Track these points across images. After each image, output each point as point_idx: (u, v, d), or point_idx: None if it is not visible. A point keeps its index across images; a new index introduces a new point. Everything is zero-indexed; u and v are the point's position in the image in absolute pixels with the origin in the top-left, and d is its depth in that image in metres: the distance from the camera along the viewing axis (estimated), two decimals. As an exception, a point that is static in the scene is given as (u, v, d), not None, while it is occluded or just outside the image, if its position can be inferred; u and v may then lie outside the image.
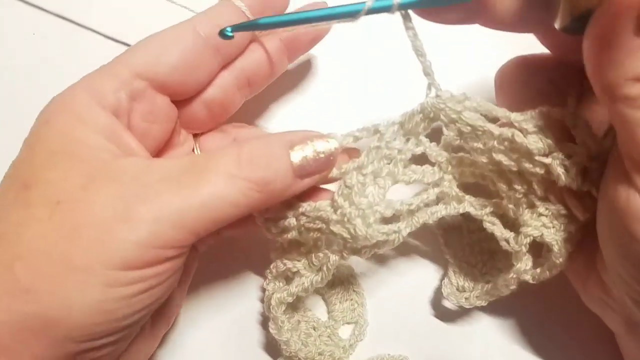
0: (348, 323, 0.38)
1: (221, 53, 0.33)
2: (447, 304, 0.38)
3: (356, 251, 0.31)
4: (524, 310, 0.37)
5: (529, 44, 0.31)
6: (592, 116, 0.30)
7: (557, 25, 0.26)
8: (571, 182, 0.29)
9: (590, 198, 0.29)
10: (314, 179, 0.30)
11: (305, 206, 0.31)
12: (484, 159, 0.30)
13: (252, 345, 0.38)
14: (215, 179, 0.27)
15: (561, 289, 0.34)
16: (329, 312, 0.38)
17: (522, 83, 0.31)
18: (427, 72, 0.29)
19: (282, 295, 0.33)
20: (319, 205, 0.31)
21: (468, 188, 0.33)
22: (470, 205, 0.32)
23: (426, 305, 0.38)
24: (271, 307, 0.33)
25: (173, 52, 0.31)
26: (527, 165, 0.29)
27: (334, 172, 0.31)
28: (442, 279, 0.37)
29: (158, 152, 0.34)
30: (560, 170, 0.28)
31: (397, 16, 0.29)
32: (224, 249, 0.39)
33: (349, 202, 0.30)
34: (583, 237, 0.31)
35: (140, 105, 0.31)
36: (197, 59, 0.32)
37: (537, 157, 0.29)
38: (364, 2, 0.27)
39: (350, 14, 0.28)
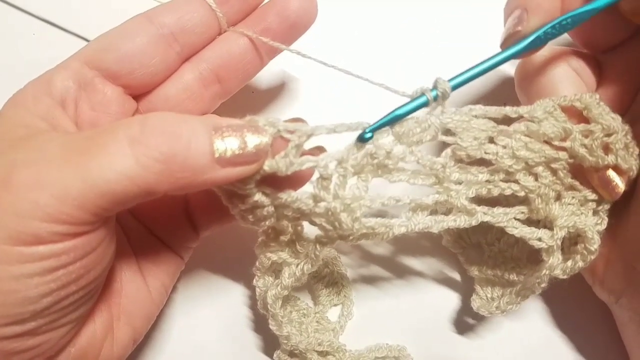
0: (335, 305, 0.38)
1: (180, 43, 0.32)
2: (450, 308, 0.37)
3: (342, 237, 0.29)
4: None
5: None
6: (613, 97, 0.32)
7: None
8: (595, 160, 0.30)
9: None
10: (237, 170, 0.26)
11: (285, 197, 0.28)
12: (508, 161, 0.30)
13: (245, 347, 0.38)
14: (108, 145, 0.24)
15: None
16: (315, 298, 0.38)
17: (545, 71, 0.32)
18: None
19: (276, 291, 0.31)
20: (300, 197, 0.28)
21: (482, 200, 0.32)
22: (484, 215, 0.31)
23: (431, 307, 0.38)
24: (269, 305, 0.32)
25: (121, 40, 0.31)
26: (551, 153, 0.30)
27: (309, 162, 0.27)
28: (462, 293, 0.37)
29: None
30: (582, 151, 0.29)
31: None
32: (200, 253, 0.37)
33: (333, 195, 0.28)
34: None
35: (89, 94, 0.31)
36: (148, 47, 0.31)
37: (556, 143, 0.29)
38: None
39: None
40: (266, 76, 0.40)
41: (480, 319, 0.37)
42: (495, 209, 0.31)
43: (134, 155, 0.23)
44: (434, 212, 0.32)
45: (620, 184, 0.30)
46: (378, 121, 0.27)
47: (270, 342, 0.37)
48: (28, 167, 0.24)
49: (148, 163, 0.23)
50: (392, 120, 0.27)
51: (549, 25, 0.29)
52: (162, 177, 0.24)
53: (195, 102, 0.33)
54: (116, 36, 0.31)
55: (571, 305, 0.37)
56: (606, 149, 0.30)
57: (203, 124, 0.25)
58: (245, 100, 0.39)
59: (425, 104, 0.28)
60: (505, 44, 0.31)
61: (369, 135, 0.27)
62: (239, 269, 0.38)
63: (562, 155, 0.30)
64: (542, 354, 0.37)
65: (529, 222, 0.31)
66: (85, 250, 0.25)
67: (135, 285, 0.32)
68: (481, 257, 0.37)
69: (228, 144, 0.25)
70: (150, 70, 0.31)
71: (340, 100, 0.40)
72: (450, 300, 0.38)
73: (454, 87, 0.28)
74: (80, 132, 0.26)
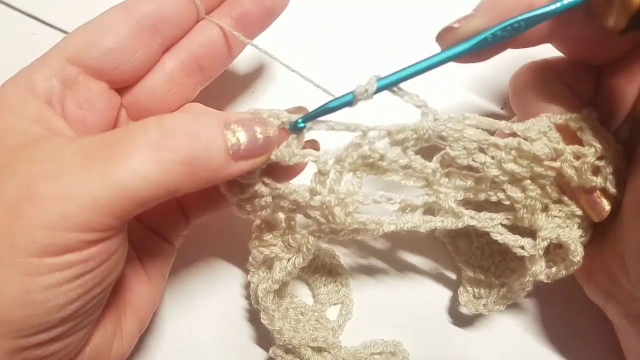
0: (334, 304, 0.38)
1: (161, 34, 0.32)
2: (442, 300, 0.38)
3: (334, 232, 0.30)
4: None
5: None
6: (610, 109, 0.31)
7: (611, 26, 0.26)
8: (583, 182, 0.30)
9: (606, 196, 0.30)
10: (249, 163, 0.27)
11: (283, 188, 0.29)
12: (495, 171, 0.30)
13: (243, 340, 0.38)
14: (131, 151, 0.24)
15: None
16: (314, 296, 0.38)
17: (537, 87, 0.31)
18: (419, 104, 0.29)
19: (267, 285, 0.32)
20: (297, 189, 0.29)
21: (471, 202, 0.33)
22: (471, 219, 0.31)
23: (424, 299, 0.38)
24: (259, 298, 0.32)
25: (103, 35, 0.30)
26: (539, 170, 0.30)
27: (311, 156, 0.29)
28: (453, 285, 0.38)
29: None
30: (571, 172, 0.30)
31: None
32: (200, 245, 0.38)
33: (328, 190, 0.29)
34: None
35: (75, 92, 0.30)
36: (131, 40, 0.30)
37: (546, 162, 0.29)
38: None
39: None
40: (254, 62, 0.40)
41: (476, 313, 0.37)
42: (482, 214, 0.32)
43: (157, 161, 0.24)
44: (426, 211, 0.32)
45: (607, 206, 0.30)
46: (311, 112, 0.28)
47: (269, 338, 0.37)
48: (50, 179, 0.24)
49: (171, 166, 0.24)
50: (323, 112, 0.28)
51: (498, 27, 0.27)
52: (186, 178, 0.25)
53: (179, 91, 0.33)
54: (97, 30, 0.30)
55: (567, 302, 0.37)
56: (596, 170, 0.30)
57: (216, 121, 0.26)
58: (232, 89, 0.39)
59: (351, 100, 0.28)
60: (439, 39, 0.29)
61: (301, 125, 0.28)
62: (237, 263, 0.38)
63: (550, 172, 0.30)
64: (540, 349, 0.37)
65: (515, 226, 0.32)
66: (109, 252, 0.26)
67: (138, 278, 0.32)
68: (469, 248, 0.37)
69: (240, 139, 0.26)
70: (135, 63, 0.31)
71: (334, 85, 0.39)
72: (447, 295, 0.38)
73: (382, 87, 0.27)
74: (92, 137, 0.26)
